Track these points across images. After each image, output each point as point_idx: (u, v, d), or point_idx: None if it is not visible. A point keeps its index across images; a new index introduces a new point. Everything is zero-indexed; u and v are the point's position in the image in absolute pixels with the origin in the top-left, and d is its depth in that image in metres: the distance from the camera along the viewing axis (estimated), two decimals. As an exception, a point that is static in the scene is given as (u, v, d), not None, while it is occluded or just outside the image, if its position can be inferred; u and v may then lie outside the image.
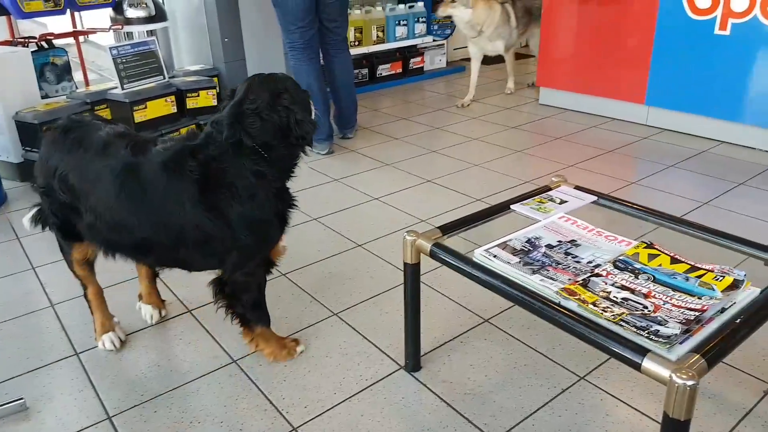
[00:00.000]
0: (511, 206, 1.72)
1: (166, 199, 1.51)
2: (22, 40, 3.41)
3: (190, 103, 3.44)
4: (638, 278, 1.32)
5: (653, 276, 1.32)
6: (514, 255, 1.44)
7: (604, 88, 3.90)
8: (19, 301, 2.11)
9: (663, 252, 1.42)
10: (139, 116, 3.20)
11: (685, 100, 3.51)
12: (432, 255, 1.50)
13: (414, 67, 5.15)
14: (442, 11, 4.14)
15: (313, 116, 1.62)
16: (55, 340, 1.90)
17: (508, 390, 1.62)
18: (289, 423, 1.53)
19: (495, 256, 1.43)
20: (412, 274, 1.59)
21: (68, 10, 3.42)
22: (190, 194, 1.50)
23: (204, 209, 1.50)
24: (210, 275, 1.66)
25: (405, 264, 1.58)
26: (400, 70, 5.06)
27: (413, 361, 1.70)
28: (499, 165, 3.23)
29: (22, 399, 1.60)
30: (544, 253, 1.45)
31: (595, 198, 1.76)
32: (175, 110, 3.37)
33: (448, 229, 1.59)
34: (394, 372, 1.70)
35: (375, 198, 2.86)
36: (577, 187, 1.83)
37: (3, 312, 2.02)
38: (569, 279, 1.32)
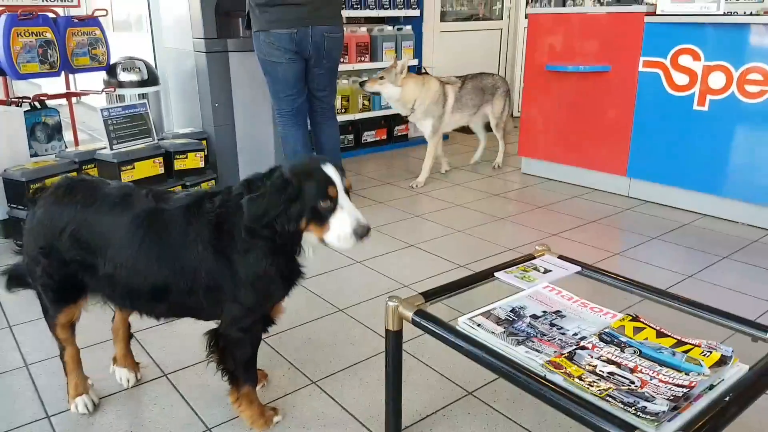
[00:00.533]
0: (495, 274, 1.70)
1: (184, 241, 1.52)
2: (16, 99, 3.44)
3: (178, 164, 3.45)
4: (624, 352, 1.29)
5: (639, 350, 1.30)
6: (499, 324, 1.41)
7: (585, 159, 4.00)
8: (-17, 364, 2.01)
9: (649, 325, 1.40)
10: (127, 176, 3.20)
11: (666, 173, 3.60)
12: (414, 323, 1.46)
13: (399, 134, 5.30)
14: (370, 87, 3.99)
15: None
16: (27, 401, 1.81)
17: (492, 469, 1.54)
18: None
19: (479, 325, 1.40)
20: (395, 342, 1.55)
21: (63, 72, 3.48)
22: (204, 236, 1.51)
23: (213, 252, 1.51)
24: (191, 332, 1.60)
25: (387, 331, 1.54)
26: (384, 137, 5.20)
27: (394, 436, 1.62)
28: (483, 231, 3.24)
29: None
30: (529, 323, 1.43)
31: (579, 268, 1.76)
32: (163, 171, 3.37)
33: (430, 295, 1.56)
34: (373, 447, 1.62)
35: (358, 261, 2.83)
36: (561, 257, 1.83)
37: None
38: (555, 351, 1.29)
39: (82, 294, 1.65)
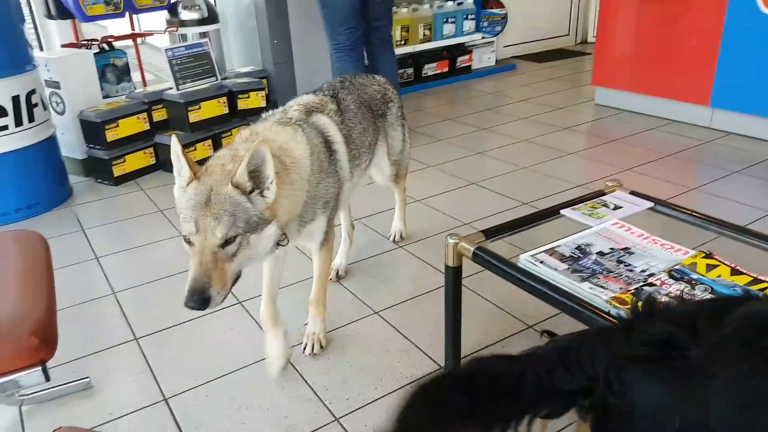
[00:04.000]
0: (561, 211, 1.65)
1: None
2: (86, 42, 3.56)
3: (241, 104, 3.50)
4: (694, 289, 1.24)
5: (711, 287, 1.24)
6: (563, 261, 1.38)
7: (665, 88, 3.73)
8: (83, 289, 2.20)
9: (723, 263, 1.33)
10: (194, 117, 3.28)
11: (754, 102, 3.30)
12: (475, 259, 1.46)
13: (461, 65, 5.06)
14: None
15: None
16: (116, 325, 1.97)
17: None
18: (332, 413, 1.55)
19: (542, 262, 1.38)
20: (454, 278, 1.55)
21: (127, 13, 3.55)
22: None
23: None
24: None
25: (446, 267, 1.54)
26: (446, 69, 4.97)
27: (453, 363, 1.66)
28: (550, 168, 3.13)
29: (87, 378, 1.70)
30: (595, 260, 1.39)
31: (651, 204, 1.67)
32: (227, 111, 3.43)
33: (492, 232, 1.54)
34: (433, 372, 1.67)
35: (417, 200, 2.82)
36: (633, 193, 1.74)
37: (69, 298, 2.10)
38: (621, 288, 1.26)
39: None
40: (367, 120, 1.93)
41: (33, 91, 2.83)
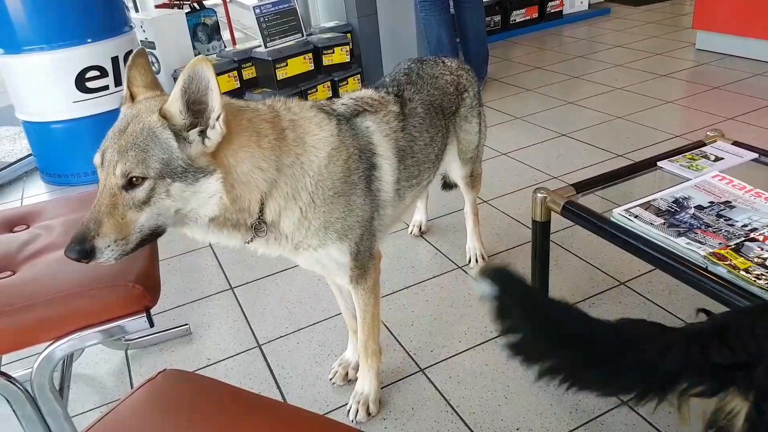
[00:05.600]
0: (658, 163, 1.60)
1: None
2: (178, 2, 3.72)
3: (326, 60, 3.55)
4: (805, 246, 1.17)
5: (825, 244, 1.17)
6: (658, 216, 1.34)
7: (777, 27, 3.39)
8: (182, 240, 2.38)
9: (841, 218, 1.24)
10: (281, 74, 3.38)
11: None
12: (564, 214, 1.45)
13: (552, 11, 4.82)
14: None
15: None
16: (213, 275, 2.14)
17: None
18: (417, 364, 1.61)
19: (636, 217, 1.35)
20: (542, 233, 1.55)
21: (216, -27, 3.66)
22: None
23: None
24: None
25: (534, 222, 1.54)
26: (536, 15, 4.77)
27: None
28: (646, 117, 2.97)
29: (186, 325, 1.85)
30: (693, 214, 1.34)
31: (756, 155, 1.58)
32: (312, 67, 3.50)
33: (582, 186, 1.52)
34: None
35: (503, 153, 2.79)
36: (736, 143, 1.65)
37: (169, 250, 2.29)
38: (720, 243, 1.21)
39: None
40: (436, 126, 1.56)
41: (130, 52, 3.02)
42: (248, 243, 1.19)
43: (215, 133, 1.03)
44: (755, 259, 1.14)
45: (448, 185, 2.09)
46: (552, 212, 1.49)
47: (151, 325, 1.17)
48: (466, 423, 1.42)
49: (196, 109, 1.02)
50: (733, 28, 3.63)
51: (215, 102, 1.01)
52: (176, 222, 1.08)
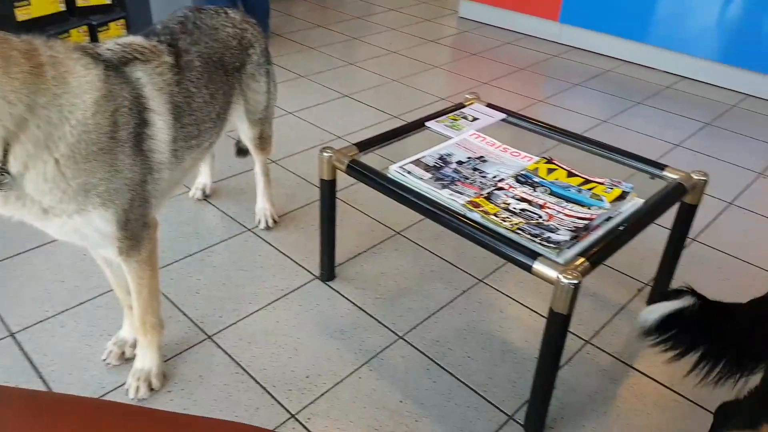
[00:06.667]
0: (426, 123, 1.76)
1: None
2: None
3: (81, 0, 3.10)
4: (536, 191, 1.42)
5: (550, 188, 1.43)
6: (427, 171, 1.50)
7: (520, 2, 3.93)
8: None
9: (560, 167, 1.53)
10: (23, 14, 2.87)
11: (597, 19, 3.61)
12: (349, 172, 1.53)
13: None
14: None
15: None
16: (217, 223, 1.79)
17: (414, 294, 1.74)
18: (204, 332, 1.58)
19: (409, 173, 1.48)
20: (328, 190, 1.62)
21: None
22: None
23: None
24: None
25: (321, 180, 1.60)
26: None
27: (327, 271, 1.77)
28: (417, 80, 3.23)
29: None
30: (455, 169, 1.52)
31: (504, 116, 1.84)
32: (64, 8, 3.03)
33: (364, 146, 1.62)
34: (308, 282, 1.77)
35: (289, 113, 2.80)
36: (489, 105, 1.89)
37: None
38: (475, 193, 1.40)
39: None
40: (216, 82, 1.45)
41: None
42: None
43: None
44: (501, 205, 1.35)
45: (242, 151, 2.04)
46: (338, 171, 1.57)
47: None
48: (257, 380, 1.45)
49: None
50: (488, -1, 4.10)
51: None
52: None
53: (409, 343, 1.57)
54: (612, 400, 1.44)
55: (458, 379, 1.47)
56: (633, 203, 1.40)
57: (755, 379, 1.06)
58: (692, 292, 1.09)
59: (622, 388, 1.48)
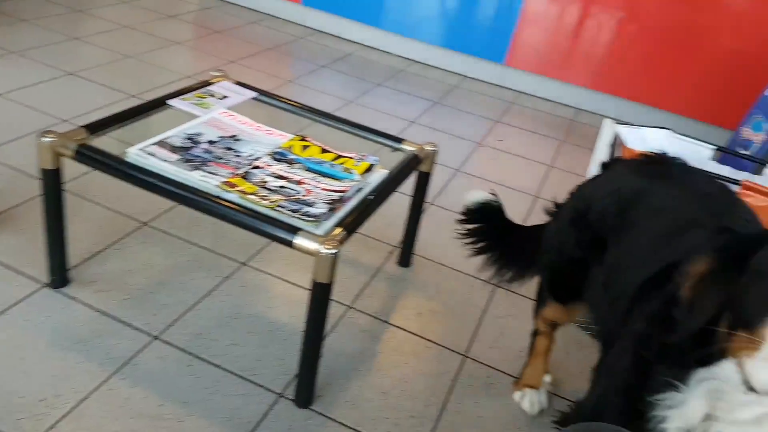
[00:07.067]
0: (168, 101, 1.62)
1: None
2: None
3: None
4: (293, 168, 1.42)
5: (305, 165, 1.44)
6: (174, 152, 1.38)
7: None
8: None
9: (314, 144, 1.55)
10: None
11: (338, 4, 3.76)
12: (77, 158, 1.32)
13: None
14: None
15: None
16: None
17: (169, 287, 1.60)
18: None
19: (152, 155, 1.34)
20: (52, 182, 1.38)
21: None
22: None
23: None
24: None
25: (43, 170, 1.35)
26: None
27: (59, 277, 1.51)
28: (156, 58, 2.96)
29: None
30: (206, 149, 1.43)
31: (255, 94, 1.79)
32: None
33: (96, 127, 1.42)
34: (35, 292, 1.50)
35: (-3, 93, 2.32)
36: (238, 83, 1.83)
37: None
38: (230, 173, 1.34)
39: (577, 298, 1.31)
40: None
41: None
42: None
43: None
44: (259, 183, 1.32)
45: None
46: (63, 158, 1.34)
47: None
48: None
49: None
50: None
51: None
52: None
53: (166, 342, 1.44)
54: (374, 358, 1.54)
55: (223, 368, 1.41)
56: (379, 174, 1.50)
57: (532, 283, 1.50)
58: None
59: (382, 344, 1.59)
